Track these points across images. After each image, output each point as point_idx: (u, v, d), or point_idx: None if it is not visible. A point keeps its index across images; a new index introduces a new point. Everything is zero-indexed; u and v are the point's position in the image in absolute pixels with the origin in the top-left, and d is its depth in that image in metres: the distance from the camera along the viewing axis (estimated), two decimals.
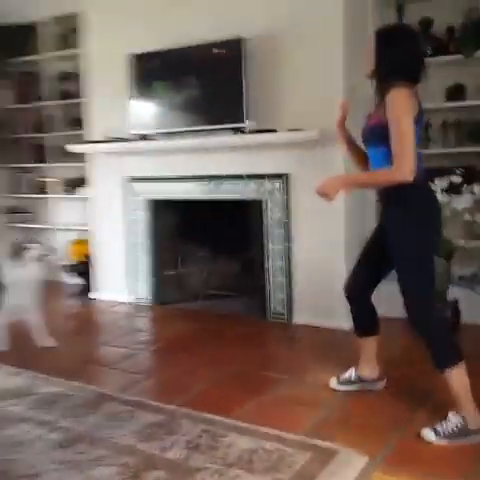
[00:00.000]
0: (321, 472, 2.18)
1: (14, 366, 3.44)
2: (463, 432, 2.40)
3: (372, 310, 2.87)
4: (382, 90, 2.48)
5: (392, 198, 2.52)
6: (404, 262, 2.51)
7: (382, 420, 2.64)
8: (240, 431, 2.53)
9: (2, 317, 3.80)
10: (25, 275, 3.76)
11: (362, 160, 2.80)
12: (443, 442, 2.39)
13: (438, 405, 2.66)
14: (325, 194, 2.51)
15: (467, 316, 3.92)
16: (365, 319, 2.88)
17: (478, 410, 2.45)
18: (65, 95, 5.59)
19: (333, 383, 2.98)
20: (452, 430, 2.40)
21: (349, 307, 2.89)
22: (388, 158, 2.42)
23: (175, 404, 2.85)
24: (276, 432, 2.50)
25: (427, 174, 2.60)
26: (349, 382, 2.94)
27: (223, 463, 2.28)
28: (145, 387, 3.17)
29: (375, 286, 2.82)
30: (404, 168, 2.34)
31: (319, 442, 2.40)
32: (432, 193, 2.63)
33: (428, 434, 2.43)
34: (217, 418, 2.66)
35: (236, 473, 2.21)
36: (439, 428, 2.42)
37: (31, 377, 3.28)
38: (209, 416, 2.68)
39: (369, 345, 2.90)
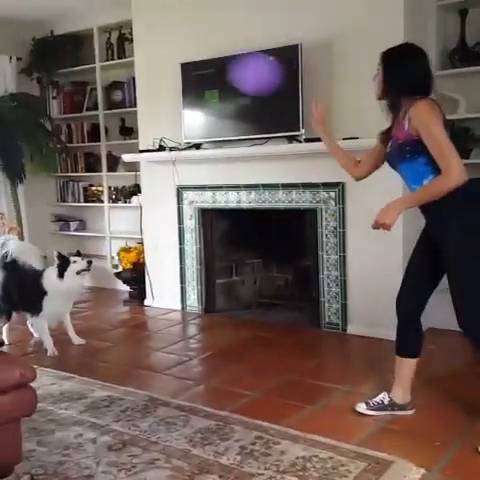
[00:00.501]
0: None
1: (66, 371, 3.49)
2: None
3: (420, 330, 2.76)
4: (398, 107, 2.51)
5: (442, 208, 2.43)
6: (460, 270, 2.45)
7: (438, 432, 2.55)
8: (293, 439, 2.50)
9: (42, 322, 3.91)
10: (64, 287, 3.86)
11: (348, 160, 3.00)
12: None
13: None
14: (383, 224, 2.44)
15: None
16: (411, 339, 2.76)
17: None
18: (117, 104, 5.68)
19: (362, 408, 2.78)
20: None
21: (397, 323, 2.79)
22: (431, 167, 2.40)
23: (227, 410, 2.83)
24: (330, 441, 2.46)
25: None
26: (381, 407, 2.76)
27: (277, 470, 2.25)
28: (196, 393, 3.17)
29: (426, 303, 2.75)
30: (453, 171, 2.31)
31: (374, 452, 2.35)
32: None
33: None
34: (270, 425, 2.63)
35: None
36: None
37: (83, 382, 3.32)
38: (262, 423, 2.66)
39: (408, 367, 2.75)
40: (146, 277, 5.15)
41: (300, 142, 4.05)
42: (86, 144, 5.97)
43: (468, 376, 3.20)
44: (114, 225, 5.91)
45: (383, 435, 2.56)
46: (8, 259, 3.96)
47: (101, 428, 2.68)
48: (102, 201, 5.95)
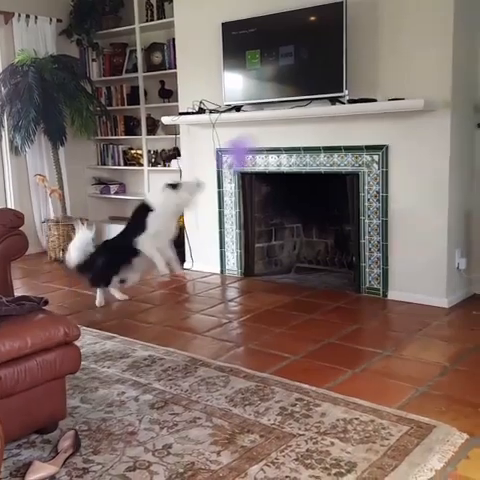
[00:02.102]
0: (418, 447, 2.11)
1: (107, 331, 3.56)
2: None
3: None
4: None
5: None
6: None
7: None
8: (334, 401, 2.49)
9: (148, 239, 4.02)
10: (171, 202, 4.05)
11: None
12: None
13: None
14: None
15: None
16: None
17: None
18: (156, 66, 5.62)
19: None
20: None
21: None
22: None
23: (267, 372, 2.84)
24: (371, 404, 2.45)
25: None
26: None
27: (317, 431, 2.25)
28: (237, 355, 3.18)
29: None
30: None
31: (416, 417, 2.33)
32: None
33: None
34: (310, 387, 2.64)
35: (331, 441, 2.18)
36: None
37: (124, 341, 3.37)
38: (303, 385, 2.66)
39: None
40: (186, 240, 5.16)
41: (343, 103, 3.95)
42: (126, 107, 5.96)
43: None
44: (154, 188, 5.92)
45: (425, 400, 2.53)
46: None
47: (143, 386, 2.73)
48: (141, 164, 5.96)
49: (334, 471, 1.98)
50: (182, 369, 2.93)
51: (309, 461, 2.04)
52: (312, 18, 4.04)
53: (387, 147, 3.95)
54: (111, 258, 4.10)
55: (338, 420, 2.33)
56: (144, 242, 4.03)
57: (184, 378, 2.81)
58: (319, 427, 2.28)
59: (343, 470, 1.98)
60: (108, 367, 2.99)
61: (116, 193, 6.26)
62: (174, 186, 4.10)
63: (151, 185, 5.91)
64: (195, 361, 3.02)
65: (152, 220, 4.00)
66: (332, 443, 2.16)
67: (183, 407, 2.50)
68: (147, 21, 5.60)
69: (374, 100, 3.84)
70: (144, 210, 4.04)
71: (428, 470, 1.95)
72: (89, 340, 3.38)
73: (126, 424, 2.37)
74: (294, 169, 4.43)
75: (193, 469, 2.03)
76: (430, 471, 1.95)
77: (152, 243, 4.02)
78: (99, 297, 4.17)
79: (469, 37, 3.80)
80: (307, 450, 2.11)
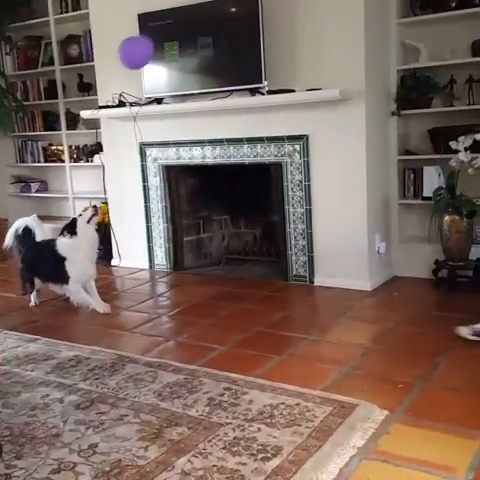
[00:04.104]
0: (341, 426, 2.17)
1: (31, 333, 3.45)
2: None
3: None
4: None
5: None
6: None
7: (401, 376, 2.60)
8: (261, 388, 2.52)
9: (76, 287, 3.85)
10: (81, 242, 3.82)
11: None
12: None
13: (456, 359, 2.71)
14: None
15: None
16: None
17: None
18: (74, 59, 5.46)
19: (464, 332, 2.87)
20: None
21: None
22: None
23: (196, 364, 2.84)
24: (297, 388, 2.49)
25: None
26: None
27: (245, 419, 2.27)
28: (166, 349, 3.16)
29: None
30: None
31: (339, 397, 2.39)
32: None
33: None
34: (238, 376, 2.65)
35: (257, 427, 2.20)
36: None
37: (49, 343, 3.28)
38: (231, 375, 2.67)
39: None
40: (112, 237, 5.07)
41: (263, 94, 3.98)
42: (43, 102, 5.77)
43: (429, 320, 3.30)
44: (77, 185, 5.77)
45: (348, 380, 2.60)
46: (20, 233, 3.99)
47: (68, 388, 2.66)
48: (63, 161, 5.79)
49: (260, 456, 1.99)
50: (109, 367, 2.87)
51: (236, 448, 2.05)
52: (229, 9, 4.03)
53: (307, 137, 4.01)
54: (31, 262, 4.00)
55: (265, 406, 2.35)
56: (73, 291, 3.87)
57: (111, 376, 2.76)
58: (246, 414, 2.30)
59: (269, 454, 2.00)
60: (31, 370, 2.90)
61: (37, 191, 6.06)
62: (72, 224, 3.84)
63: (74, 181, 5.77)
64: (123, 358, 2.98)
65: (70, 267, 3.80)
66: (259, 429, 2.18)
67: (110, 405, 2.46)
68: (62, 13, 5.43)
69: (292, 91, 3.88)
70: (60, 258, 3.81)
71: (350, 448, 2.00)
72: (11, 344, 3.28)
73: (50, 426, 2.30)
74: (218, 161, 4.43)
75: (120, 466, 2.00)
76: (352, 449, 2.00)
77: (80, 290, 3.86)
78: (32, 297, 4.07)
79: (380, 27, 3.91)
80: (234, 438, 2.13)
